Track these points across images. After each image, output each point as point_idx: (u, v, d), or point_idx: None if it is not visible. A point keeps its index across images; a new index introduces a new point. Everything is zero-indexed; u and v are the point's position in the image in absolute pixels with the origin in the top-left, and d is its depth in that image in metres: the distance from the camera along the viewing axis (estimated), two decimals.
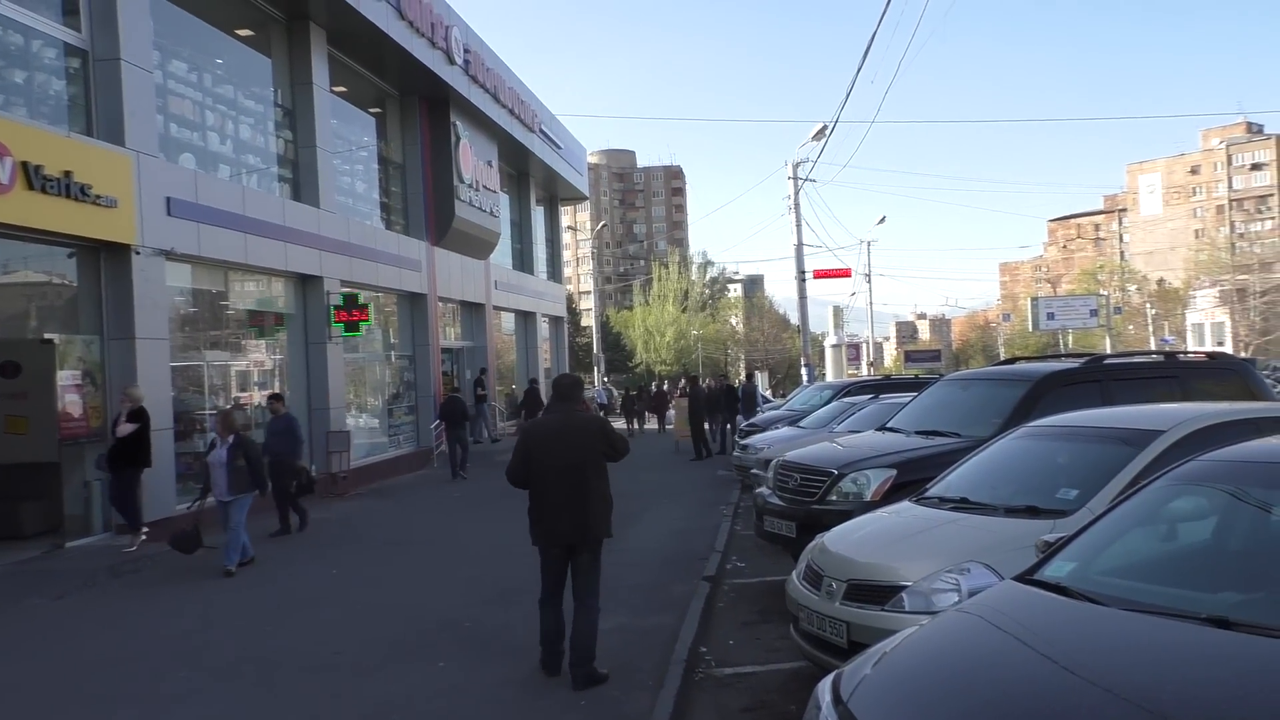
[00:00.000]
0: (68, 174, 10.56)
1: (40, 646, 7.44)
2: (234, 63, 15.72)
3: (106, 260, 11.76)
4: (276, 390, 14.82)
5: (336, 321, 16.63)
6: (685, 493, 15.22)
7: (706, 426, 21.54)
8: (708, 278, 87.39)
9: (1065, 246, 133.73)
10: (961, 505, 5.77)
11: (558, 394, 6.42)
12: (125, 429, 10.90)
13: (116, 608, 8.64)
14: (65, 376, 11.67)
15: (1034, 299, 61.12)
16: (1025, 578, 3.75)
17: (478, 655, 6.74)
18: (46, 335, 11.56)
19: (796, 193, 28.88)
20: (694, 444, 21.14)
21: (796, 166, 28.93)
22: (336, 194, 17.50)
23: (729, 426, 21.97)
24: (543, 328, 31.61)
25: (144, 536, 11.16)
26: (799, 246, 28.99)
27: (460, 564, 10.11)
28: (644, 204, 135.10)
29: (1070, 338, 63.38)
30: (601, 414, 17.47)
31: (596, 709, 5.61)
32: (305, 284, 16.46)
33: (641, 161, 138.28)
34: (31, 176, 10.07)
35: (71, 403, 11.61)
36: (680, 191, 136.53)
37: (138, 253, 11.82)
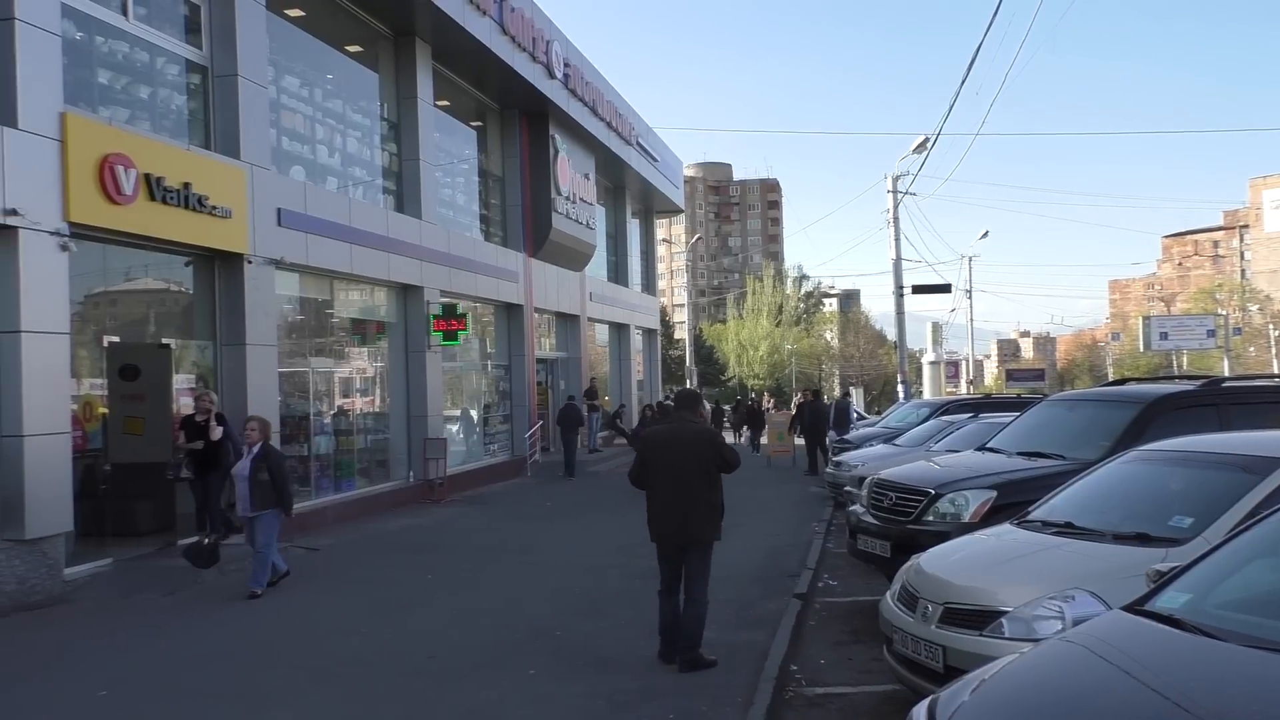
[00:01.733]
0: (187, 185, 11.05)
1: (149, 641, 7.77)
2: (343, 78, 16.26)
3: (220, 269, 12.25)
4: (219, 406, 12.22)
5: (436, 330, 17.00)
6: (777, 509, 15.07)
7: (799, 442, 21.35)
8: (803, 292, 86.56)
9: (1181, 264, 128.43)
10: (1066, 530, 5.57)
11: (676, 405, 7.13)
12: (218, 433, 10.86)
13: (220, 606, 8.95)
14: (180, 380, 12.20)
15: (1146, 318, 58.82)
16: (1135, 608, 3.60)
17: (567, 666, 6.77)
18: (164, 340, 12.08)
19: (896, 206, 28.41)
20: (809, 458, 20.99)
21: (896, 180, 28.47)
22: (438, 206, 17.91)
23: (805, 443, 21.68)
24: (636, 340, 31.74)
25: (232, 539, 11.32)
26: (897, 261, 28.50)
27: (551, 573, 10.19)
28: (739, 217, 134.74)
29: (1185, 359, 60.78)
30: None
31: None
32: (406, 293, 16.88)
33: (738, 174, 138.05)
34: (153, 188, 10.56)
35: (186, 406, 12.10)
36: (776, 204, 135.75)
37: (250, 262, 12.28)
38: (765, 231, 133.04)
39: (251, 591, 9.04)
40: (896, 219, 28.41)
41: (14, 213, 8.98)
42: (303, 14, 14.71)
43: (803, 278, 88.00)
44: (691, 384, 45.88)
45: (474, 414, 20.51)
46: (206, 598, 9.26)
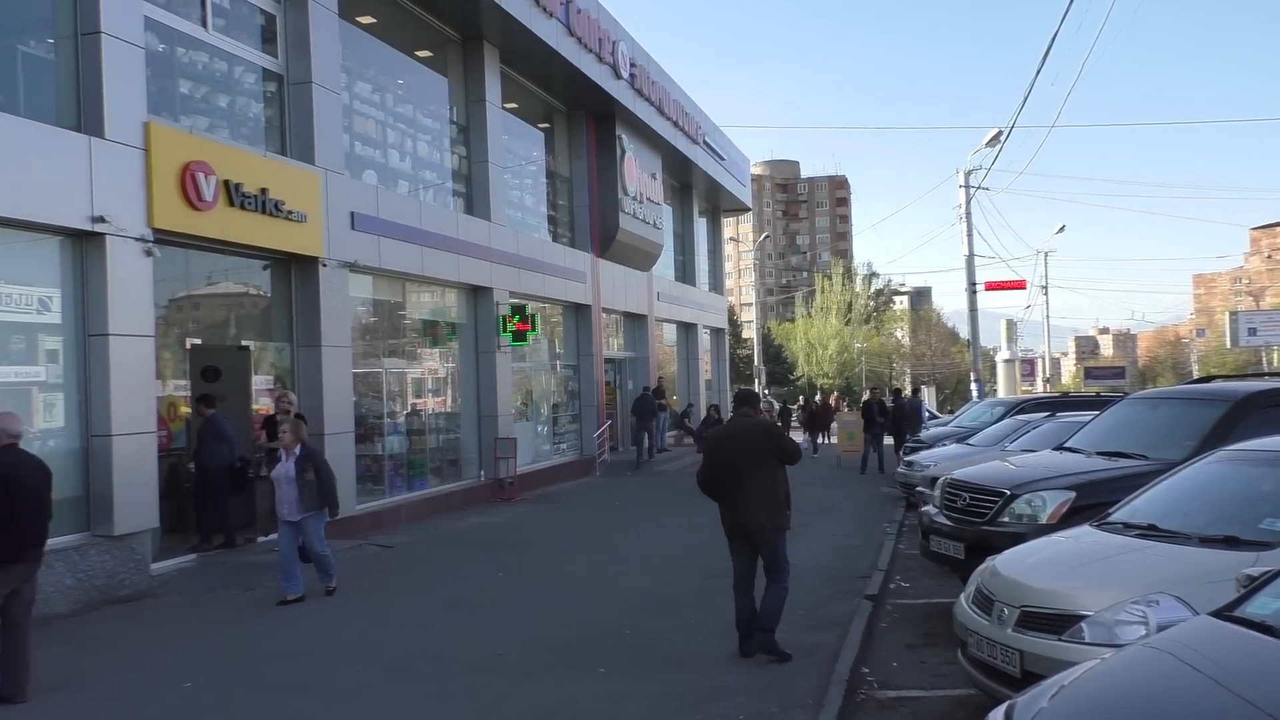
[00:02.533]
0: (264, 191, 11.33)
1: (231, 635, 7.99)
2: (413, 82, 16.52)
3: (296, 272, 12.54)
4: (208, 394, 11.99)
5: (505, 331, 17.17)
6: (847, 509, 14.91)
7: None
8: (872, 289, 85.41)
9: (1270, 256, 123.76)
10: (1149, 532, 5.41)
11: (736, 402, 7.46)
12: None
13: (299, 601, 9.16)
14: (258, 381, 12.53)
15: (1233, 313, 56.78)
16: (1224, 614, 3.48)
17: (638, 664, 6.79)
18: (243, 342, 12.42)
19: (968, 201, 27.90)
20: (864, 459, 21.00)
21: (968, 174, 27.95)
22: (506, 207, 18.09)
23: (892, 442, 21.46)
24: (704, 339, 31.67)
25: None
26: (970, 257, 27.97)
27: (621, 572, 10.22)
28: (807, 214, 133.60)
29: (1275, 356, 58.56)
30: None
31: None
32: (476, 295, 17.09)
33: (805, 172, 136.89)
34: (232, 194, 10.86)
35: (264, 406, 12.43)
36: (845, 201, 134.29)
37: (324, 265, 12.55)
38: (834, 229, 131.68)
39: (328, 588, 9.18)
40: (969, 214, 27.90)
41: (102, 220, 9.32)
42: (374, 21, 14.99)
43: (872, 275, 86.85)
44: (760, 384, 45.65)
45: (543, 413, 20.68)
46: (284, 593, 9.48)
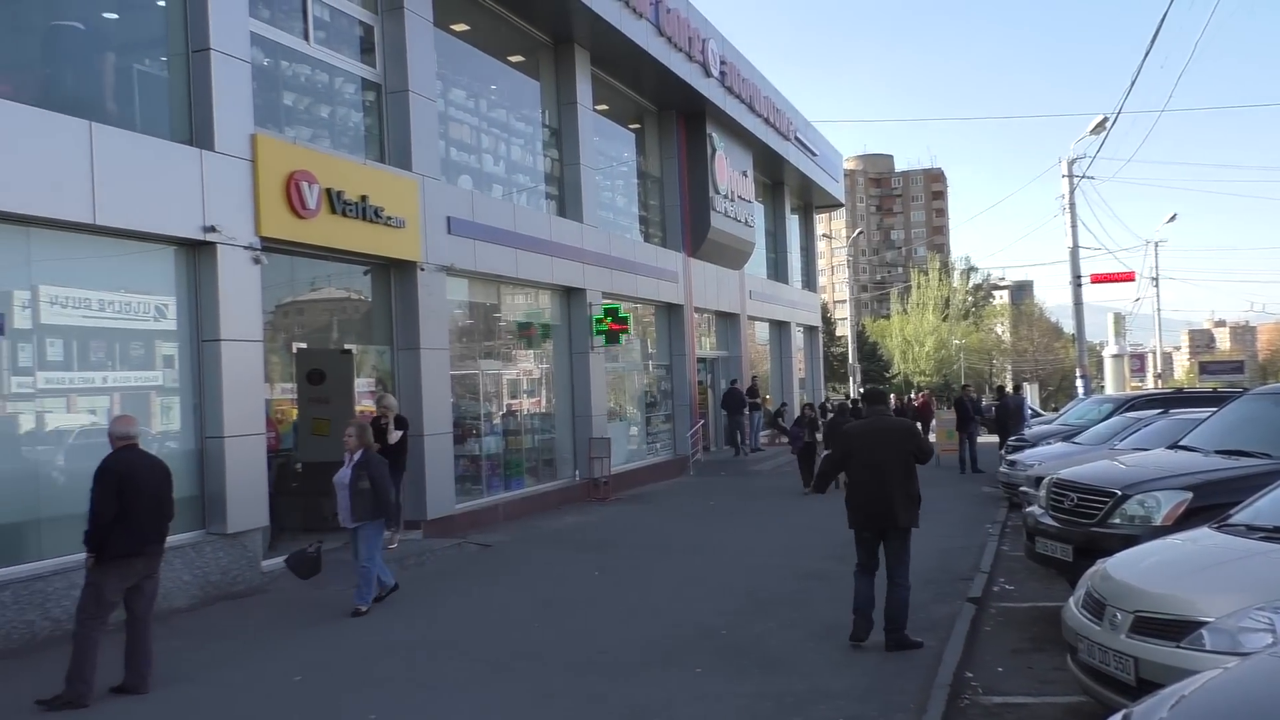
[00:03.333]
0: (364, 198, 11.64)
1: (337, 631, 8.22)
2: (506, 87, 16.76)
3: (396, 276, 12.85)
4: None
5: (598, 332, 17.29)
6: (947, 509, 14.56)
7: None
8: (971, 284, 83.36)
9: None
10: (1276, 535, 5.15)
11: (869, 401, 7.83)
12: (396, 435, 11.27)
13: (402, 598, 9.38)
14: (361, 384, 12.88)
15: None
16: None
17: (734, 665, 6.76)
18: (346, 345, 12.78)
19: (1072, 191, 27.00)
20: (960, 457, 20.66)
21: (1072, 163, 27.05)
22: (598, 209, 18.21)
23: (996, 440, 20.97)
24: (797, 337, 31.36)
25: (399, 533, 11.57)
26: (1074, 249, 27.07)
27: (716, 572, 10.19)
28: (902, 209, 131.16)
29: None
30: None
31: None
32: (569, 296, 17.25)
33: (900, 165, 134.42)
34: (334, 201, 11.19)
35: (367, 408, 12.77)
36: (941, 195, 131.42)
37: (422, 269, 12.83)
38: (930, 223, 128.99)
39: (355, 609, 8.57)
40: (1073, 204, 27.00)
41: (213, 229, 9.71)
42: (468, 28, 15.25)
43: (971, 269, 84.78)
44: (854, 382, 44.96)
45: (636, 413, 20.76)
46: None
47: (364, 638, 7.86)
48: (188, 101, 9.92)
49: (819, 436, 17.61)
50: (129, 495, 6.35)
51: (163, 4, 10.01)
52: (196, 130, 9.88)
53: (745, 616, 8.15)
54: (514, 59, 16.78)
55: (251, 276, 10.22)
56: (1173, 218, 43.51)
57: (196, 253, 9.85)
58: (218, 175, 9.82)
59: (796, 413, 25.40)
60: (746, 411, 24.08)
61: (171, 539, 8.75)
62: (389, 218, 12.03)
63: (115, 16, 9.90)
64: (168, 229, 9.41)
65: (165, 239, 9.57)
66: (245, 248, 10.10)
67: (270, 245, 10.50)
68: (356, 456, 8.66)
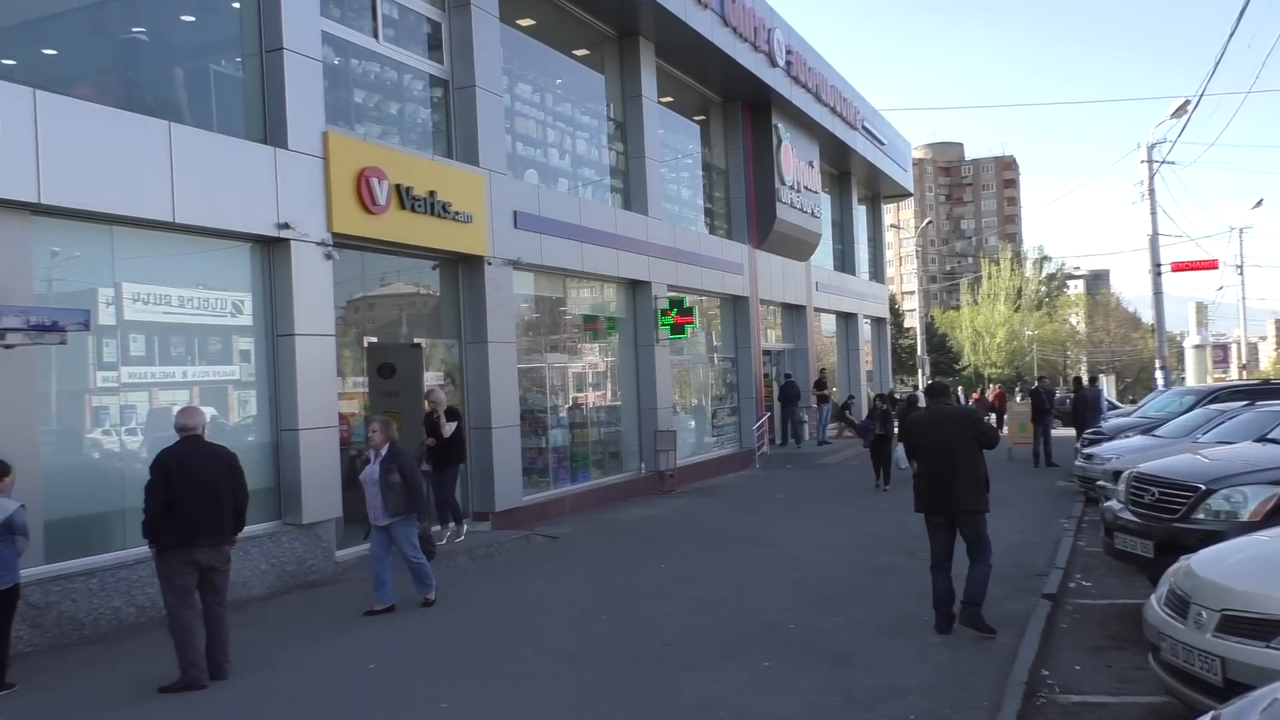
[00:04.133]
0: (432, 194, 11.80)
1: (409, 621, 8.36)
2: (571, 81, 16.82)
3: (463, 271, 13.00)
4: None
5: (663, 324, 17.29)
6: (1020, 503, 14.28)
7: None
8: (1044, 274, 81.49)
9: None
10: None
11: (932, 393, 8.06)
12: (450, 429, 11.35)
13: (471, 589, 9.52)
14: (430, 378, 13.04)
15: None
16: None
17: (802, 659, 6.71)
18: (415, 339, 12.94)
19: (1151, 177, 26.20)
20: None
21: (1152, 148, 26.24)
22: (663, 201, 18.20)
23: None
24: (864, 329, 31.00)
25: (465, 528, 11.77)
26: (1154, 237, 26.28)
27: (783, 565, 10.13)
28: (972, 198, 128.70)
29: None
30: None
31: None
32: (634, 289, 17.27)
33: (970, 153, 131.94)
34: (403, 197, 11.36)
35: (428, 404, 12.90)
36: (1013, 183, 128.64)
37: (489, 263, 12.96)
38: (1001, 212, 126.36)
39: (425, 598, 8.63)
40: (1153, 191, 26.20)
41: (287, 226, 9.93)
42: (533, 22, 15.34)
43: (1044, 259, 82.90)
44: (923, 374, 44.36)
45: (702, 406, 20.72)
46: (458, 582, 9.86)
47: (434, 627, 7.98)
48: (262, 100, 10.15)
49: (893, 428, 17.18)
50: (179, 487, 6.43)
51: (237, 6, 10.25)
52: (270, 128, 10.10)
53: (813, 610, 8.09)
54: (579, 52, 16.84)
55: (324, 272, 10.42)
56: (1259, 203, 42.04)
57: (271, 249, 10.09)
58: (291, 173, 10.04)
59: (864, 405, 25.18)
60: (814, 404, 24.03)
61: (250, 529, 9.01)
62: (456, 213, 12.17)
63: (192, 19, 10.16)
64: (243, 226, 9.64)
65: (241, 236, 9.81)
66: (318, 244, 10.31)
67: (341, 241, 10.70)
68: (384, 451, 8.47)
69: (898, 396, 22.34)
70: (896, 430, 16.80)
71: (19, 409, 7.75)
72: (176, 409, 7.43)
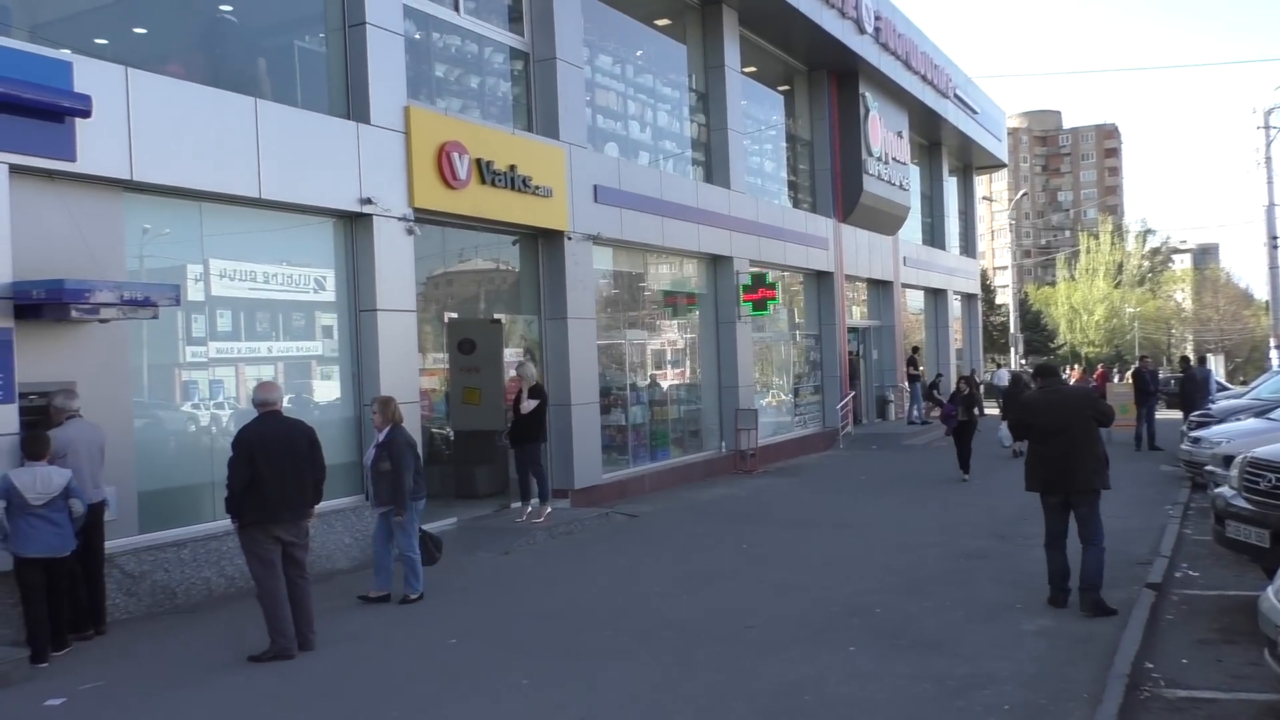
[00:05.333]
0: (512, 168, 11.85)
1: (491, 597, 8.49)
2: (652, 52, 16.72)
3: (543, 246, 13.06)
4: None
5: (745, 300, 17.15)
6: (1122, 489, 13.75)
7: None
8: (1147, 248, 78.68)
9: None
10: None
11: (1041, 374, 8.07)
12: (529, 405, 11.24)
13: (551, 566, 9.61)
14: (509, 354, 13.17)
15: None
16: None
17: (888, 645, 6.62)
18: (495, 315, 13.09)
19: (1268, 145, 25.06)
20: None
21: (1269, 113, 25.08)
22: (746, 174, 18.01)
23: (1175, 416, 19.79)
24: (954, 306, 30.37)
25: (549, 509, 11.45)
26: (1270, 208, 25.15)
27: (868, 549, 10.00)
28: (1070, 168, 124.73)
29: None
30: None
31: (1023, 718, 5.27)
32: (716, 264, 17.16)
33: (1068, 122, 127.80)
34: (484, 172, 11.44)
35: (515, 377, 13.05)
36: (1114, 152, 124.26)
37: (569, 238, 13.00)
38: (1101, 183, 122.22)
39: (405, 596, 8.15)
40: (1268, 158, 25.06)
41: (369, 202, 10.08)
42: None
43: (1147, 232, 79.97)
44: (1015, 353, 43.28)
45: (784, 384, 20.55)
46: (539, 559, 9.98)
47: (514, 605, 8.09)
48: (345, 76, 10.30)
49: (977, 412, 16.48)
50: (260, 463, 6.60)
51: None
52: (353, 104, 10.25)
53: (900, 595, 7.97)
54: (660, 22, 16.72)
55: (405, 247, 10.57)
56: None
57: (354, 225, 10.27)
58: (373, 148, 10.18)
59: (952, 385, 24.69)
60: (904, 384, 23.84)
61: (333, 503, 9.28)
62: (536, 187, 12.22)
63: None
64: (326, 202, 9.82)
65: (324, 212, 10.00)
66: (399, 219, 10.46)
67: (422, 216, 10.84)
68: (381, 435, 8.09)
69: (977, 381, 21.80)
70: (978, 413, 16.37)
71: (112, 382, 8.05)
72: (254, 385, 7.61)
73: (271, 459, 6.66)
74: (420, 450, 10.78)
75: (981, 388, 20.84)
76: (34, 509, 6.58)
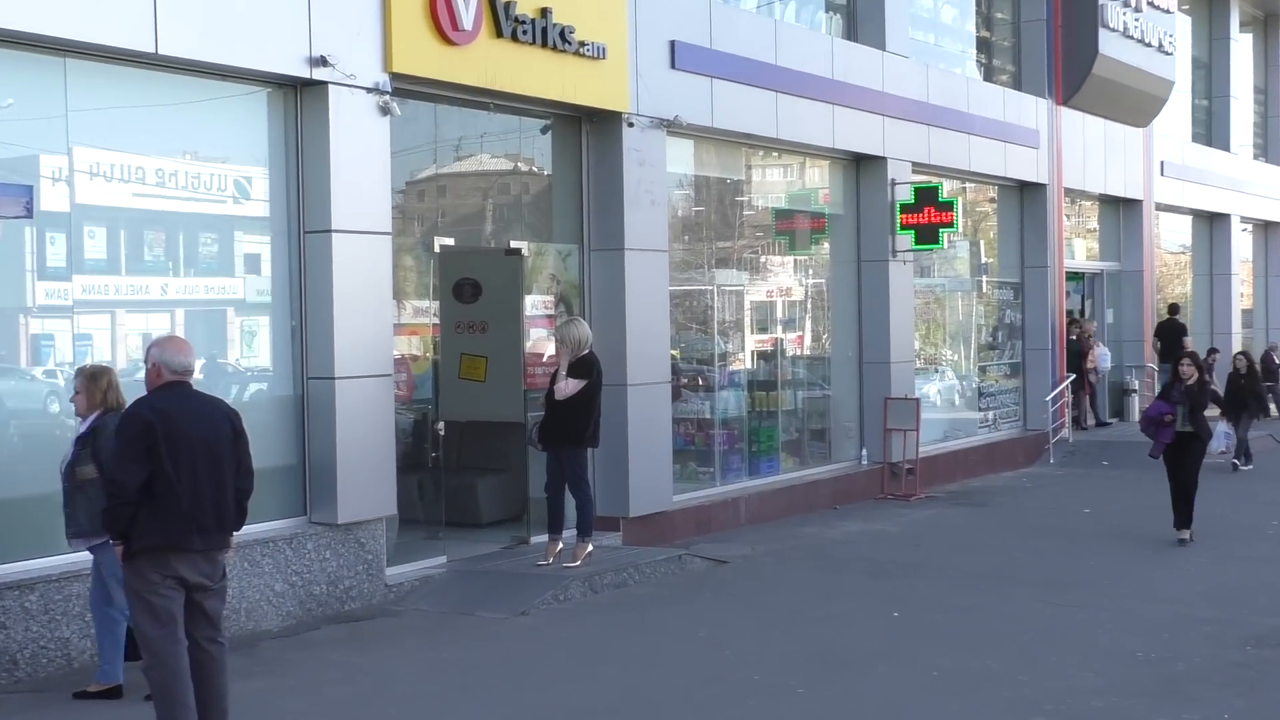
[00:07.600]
0: (544, 12, 11.80)
1: (503, 689, 8.61)
2: None
3: (590, 135, 13.05)
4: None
5: (904, 227, 17.02)
6: None
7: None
8: None
9: None
10: None
11: None
12: (570, 387, 11.02)
13: (591, 637, 9.69)
14: (532, 303, 13.14)
15: None
16: None
17: None
18: (512, 243, 12.89)
19: None
20: None
21: None
22: (910, 28, 17.84)
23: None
24: (1242, 240, 29.91)
25: (591, 547, 11.43)
26: None
27: (1095, 623, 9.97)
28: None
29: None
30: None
31: None
32: (859, 169, 17.08)
33: None
34: (499, 18, 11.33)
35: (539, 340, 13.06)
36: None
37: (630, 124, 12.95)
38: None
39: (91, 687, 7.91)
40: None
41: (323, 63, 10.02)
42: None
43: None
44: None
45: (962, 361, 20.43)
46: (574, 621, 10.09)
47: (545, 696, 8.16)
48: None
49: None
50: (163, 458, 6.26)
51: None
52: None
53: (1145, 699, 7.94)
54: None
55: (377, 134, 10.64)
56: None
57: (299, 98, 10.35)
58: None
59: (1228, 364, 24.33)
60: (1154, 364, 23.92)
61: (257, 528, 9.35)
62: (581, 43, 12.21)
63: None
64: (257, 62, 9.87)
65: (253, 77, 10.10)
66: (369, 90, 10.52)
67: (404, 87, 10.90)
68: (85, 425, 7.85)
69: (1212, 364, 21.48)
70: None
71: None
72: (152, 340, 7.46)
73: (180, 454, 6.33)
74: (394, 449, 10.93)
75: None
76: None
